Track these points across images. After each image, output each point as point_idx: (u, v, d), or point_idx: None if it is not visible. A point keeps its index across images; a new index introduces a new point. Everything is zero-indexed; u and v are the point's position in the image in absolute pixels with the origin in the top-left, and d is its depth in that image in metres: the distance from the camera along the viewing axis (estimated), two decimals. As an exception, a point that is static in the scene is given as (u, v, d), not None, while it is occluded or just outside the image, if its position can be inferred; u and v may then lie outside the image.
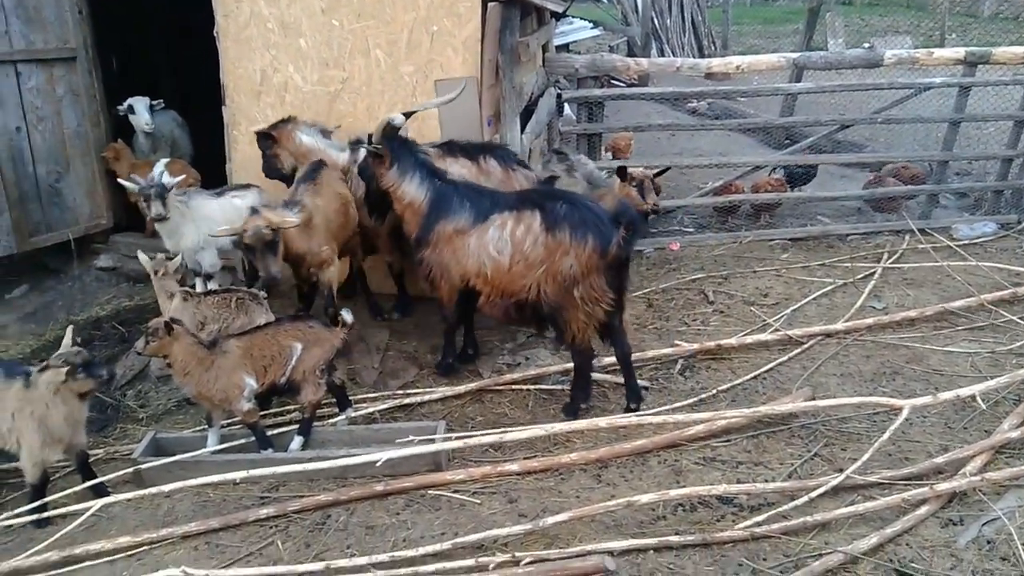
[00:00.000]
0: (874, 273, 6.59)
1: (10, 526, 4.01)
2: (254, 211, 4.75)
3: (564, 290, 4.48)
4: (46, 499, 4.08)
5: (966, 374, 5.02)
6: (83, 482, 4.18)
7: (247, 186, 5.77)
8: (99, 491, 4.15)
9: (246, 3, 5.81)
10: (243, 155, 6.12)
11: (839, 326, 5.64)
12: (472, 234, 4.66)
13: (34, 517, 3.99)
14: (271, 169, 5.69)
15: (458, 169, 5.32)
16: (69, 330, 4.15)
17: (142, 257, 5.06)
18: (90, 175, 6.99)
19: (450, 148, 5.49)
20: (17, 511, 4.03)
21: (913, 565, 3.42)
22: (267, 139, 5.58)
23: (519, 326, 5.52)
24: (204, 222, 5.41)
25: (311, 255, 5.06)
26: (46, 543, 3.76)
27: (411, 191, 4.81)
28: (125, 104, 6.87)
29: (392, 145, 4.84)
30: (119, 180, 5.79)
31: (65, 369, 3.84)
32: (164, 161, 6.57)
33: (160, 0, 9.08)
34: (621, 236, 4.39)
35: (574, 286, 4.45)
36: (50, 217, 6.77)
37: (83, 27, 6.72)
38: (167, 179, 5.23)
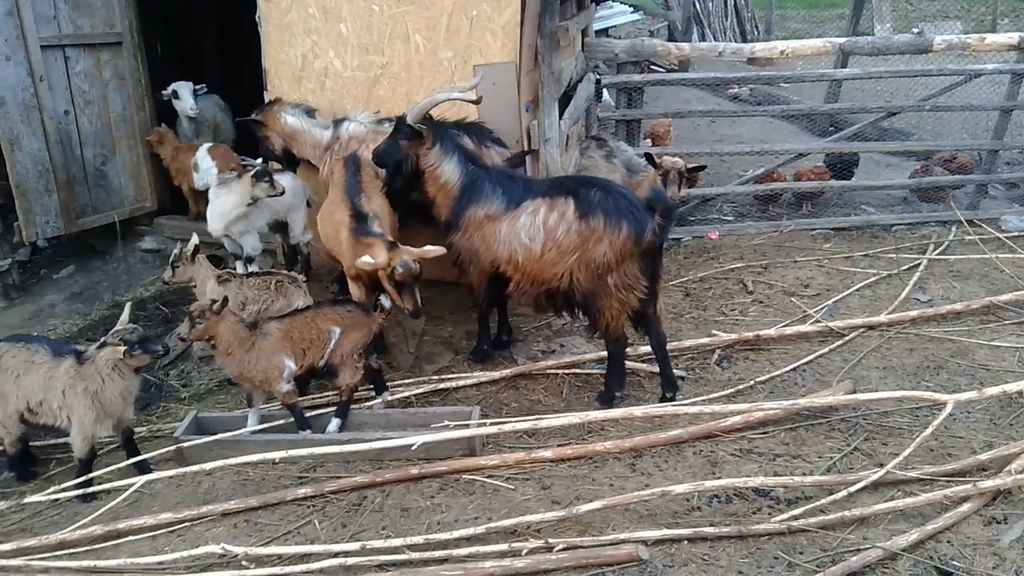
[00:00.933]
0: (919, 264, 6.45)
1: (57, 500, 4.14)
2: (393, 245, 4.51)
3: (597, 277, 4.45)
4: (92, 474, 4.19)
5: (1013, 369, 4.90)
6: (127, 459, 4.29)
7: (280, 170, 5.83)
8: (142, 468, 4.26)
9: (288, -12, 5.84)
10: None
11: (882, 318, 5.53)
12: (504, 220, 4.64)
13: (81, 491, 4.11)
14: (265, 151, 5.86)
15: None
16: (127, 307, 4.30)
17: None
18: (135, 158, 7.12)
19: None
20: (64, 485, 4.15)
21: (954, 563, 3.36)
22: (256, 124, 5.74)
23: (549, 314, 5.50)
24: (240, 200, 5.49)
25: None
26: (91, 517, 3.87)
27: (448, 171, 4.79)
28: (169, 89, 6.98)
29: (436, 127, 4.84)
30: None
31: (123, 348, 3.95)
32: (207, 146, 6.68)
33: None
34: (656, 223, 4.35)
35: (608, 273, 4.43)
36: (96, 199, 6.91)
37: (129, 12, 6.83)
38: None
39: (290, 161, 5.93)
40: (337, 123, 5.69)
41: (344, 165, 5.12)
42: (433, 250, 4.47)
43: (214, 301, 4.19)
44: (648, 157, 5.96)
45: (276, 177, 5.66)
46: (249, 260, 5.75)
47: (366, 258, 4.43)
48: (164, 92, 7.00)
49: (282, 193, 5.44)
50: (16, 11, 6.07)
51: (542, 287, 4.66)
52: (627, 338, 4.81)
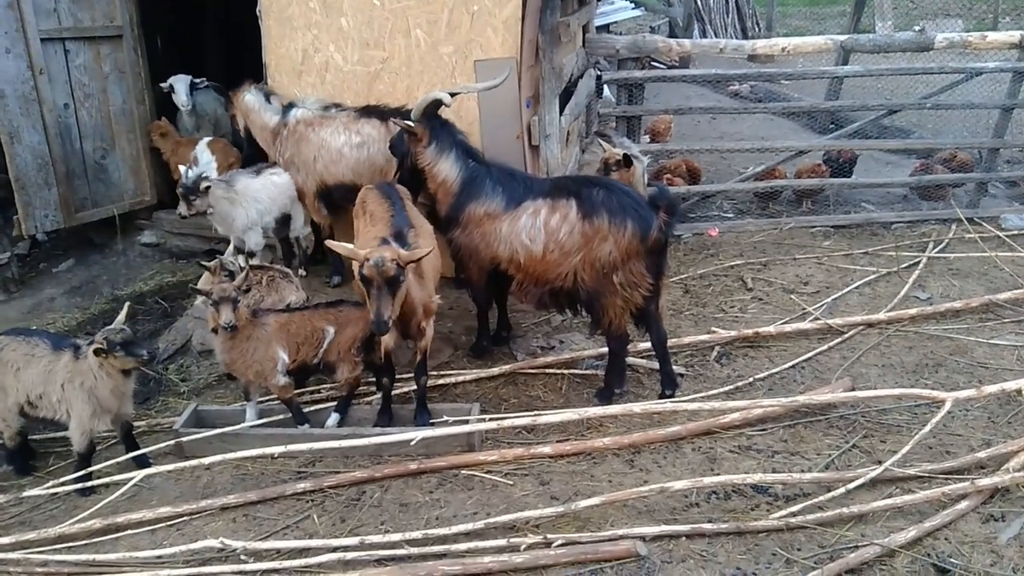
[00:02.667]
0: (919, 262, 6.45)
1: (56, 494, 4.14)
2: (384, 241, 4.06)
3: (602, 276, 4.45)
4: (91, 468, 4.19)
5: (1011, 367, 4.89)
6: (126, 453, 4.29)
7: (274, 164, 5.89)
8: (141, 462, 4.27)
9: (289, -18, 5.83)
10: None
11: (881, 316, 5.53)
12: (504, 219, 4.63)
13: (80, 485, 4.12)
14: (234, 130, 6.18)
15: (368, 130, 5.72)
16: (126, 307, 4.26)
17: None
18: (135, 152, 7.12)
19: (366, 111, 5.79)
20: (64, 479, 4.16)
21: (951, 560, 3.36)
22: (228, 100, 6.08)
23: (552, 312, 5.50)
24: (251, 203, 5.58)
25: (425, 305, 4.37)
26: (90, 511, 3.88)
27: (445, 169, 4.80)
28: (167, 82, 6.97)
29: (431, 123, 4.84)
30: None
31: (94, 348, 3.92)
32: (206, 140, 6.68)
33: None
34: (661, 220, 4.35)
35: (613, 272, 4.42)
36: (96, 193, 6.91)
37: (129, 5, 6.83)
38: (192, 175, 5.36)
39: (251, 142, 6.16)
40: (286, 108, 5.87)
41: (382, 196, 4.66)
42: (420, 252, 4.05)
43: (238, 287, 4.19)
44: (625, 158, 5.77)
45: (275, 171, 5.69)
46: (251, 255, 5.75)
47: (345, 245, 4.08)
48: (163, 84, 7.00)
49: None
50: (16, 4, 6.08)
51: (545, 287, 4.66)
52: (629, 336, 4.81)
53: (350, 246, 4.07)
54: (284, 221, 5.99)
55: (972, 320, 5.51)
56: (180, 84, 6.97)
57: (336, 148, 5.77)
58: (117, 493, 3.96)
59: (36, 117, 6.34)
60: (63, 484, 4.12)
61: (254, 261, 5.68)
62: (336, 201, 5.95)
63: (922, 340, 5.30)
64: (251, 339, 4.26)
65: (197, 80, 7.08)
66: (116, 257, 7.05)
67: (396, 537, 3.52)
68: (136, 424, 4.56)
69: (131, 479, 3.98)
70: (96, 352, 3.91)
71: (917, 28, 7.20)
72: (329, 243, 4.24)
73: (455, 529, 3.56)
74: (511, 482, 4.02)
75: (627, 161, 5.53)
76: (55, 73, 6.43)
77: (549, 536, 3.47)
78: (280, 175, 5.82)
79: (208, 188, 5.32)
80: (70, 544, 3.73)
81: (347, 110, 5.84)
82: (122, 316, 4.12)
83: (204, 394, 5.14)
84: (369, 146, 5.77)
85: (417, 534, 3.53)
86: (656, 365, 4.92)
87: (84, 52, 6.62)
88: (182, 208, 5.38)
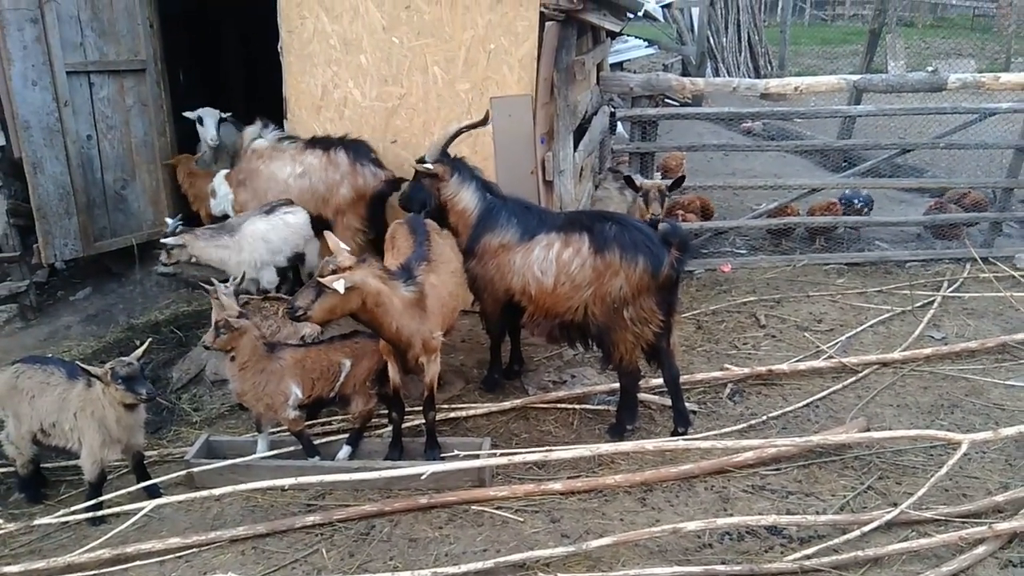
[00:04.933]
0: (933, 302, 6.42)
1: (67, 522, 4.13)
2: (364, 260, 4.02)
3: (613, 311, 4.46)
4: (102, 497, 4.19)
5: (1029, 410, 4.85)
6: (137, 482, 4.29)
7: (291, 200, 5.87)
8: (152, 492, 4.26)
9: (310, 20, 5.95)
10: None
11: (896, 355, 5.50)
12: (518, 251, 4.66)
13: (90, 515, 4.11)
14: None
15: (311, 159, 5.94)
16: (146, 343, 4.22)
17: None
18: (154, 183, 7.22)
19: (311, 142, 6.04)
20: (74, 508, 4.15)
21: (970, 607, 3.30)
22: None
23: (564, 346, 5.49)
24: (257, 243, 5.55)
25: (424, 341, 4.28)
26: (99, 541, 3.87)
27: (465, 199, 4.85)
28: (195, 113, 7.05)
29: (448, 160, 4.91)
30: None
31: (99, 374, 3.92)
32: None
33: (228, 16, 9.34)
34: (673, 256, 4.37)
35: (624, 307, 4.43)
36: (115, 223, 7.00)
37: (154, 40, 6.97)
38: (171, 225, 5.46)
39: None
40: (248, 137, 6.20)
41: (410, 231, 4.69)
42: (356, 276, 3.90)
43: (241, 314, 4.22)
44: (628, 180, 5.93)
45: (290, 210, 5.75)
46: (264, 293, 5.76)
47: (334, 239, 4.10)
48: (191, 113, 7.07)
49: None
50: (44, 37, 6.21)
51: (556, 319, 4.67)
52: (640, 371, 4.80)
53: (337, 241, 4.08)
54: (296, 259, 5.94)
55: (988, 360, 5.47)
56: (209, 119, 7.00)
57: (283, 177, 6.03)
58: (127, 523, 3.95)
59: (59, 148, 6.46)
60: (74, 513, 4.11)
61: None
62: None
63: (937, 380, 5.26)
64: (264, 372, 4.28)
65: (224, 115, 7.13)
66: (133, 286, 7.11)
67: (405, 575, 3.49)
68: (148, 454, 4.56)
69: (141, 509, 3.97)
70: (100, 379, 3.93)
71: (930, 69, 7.25)
72: (327, 234, 4.24)
73: (465, 568, 3.52)
74: (521, 519, 3.99)
75: (677, 183, 5.79)
76: (79, 105, 6.56)
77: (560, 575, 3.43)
78: (295, 214, 5.72)
79: (182, 246, 5.37)
80: (79, 574, 3.73)
81: (297, 143, 6.09)
82: (139, 351, 4.09)
83: (216, 424, 5.15)
84: (310, 175, 5.99)
85: (426, 572, 3.50)
86: (668, 402, 4.90)
87: (108, 85, 6.76)
88: (163, 257, 5.41)
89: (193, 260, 5.56)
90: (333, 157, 5.90)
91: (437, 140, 4.93)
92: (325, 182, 5.90)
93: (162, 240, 5.43)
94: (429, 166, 4.86)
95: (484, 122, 5.03)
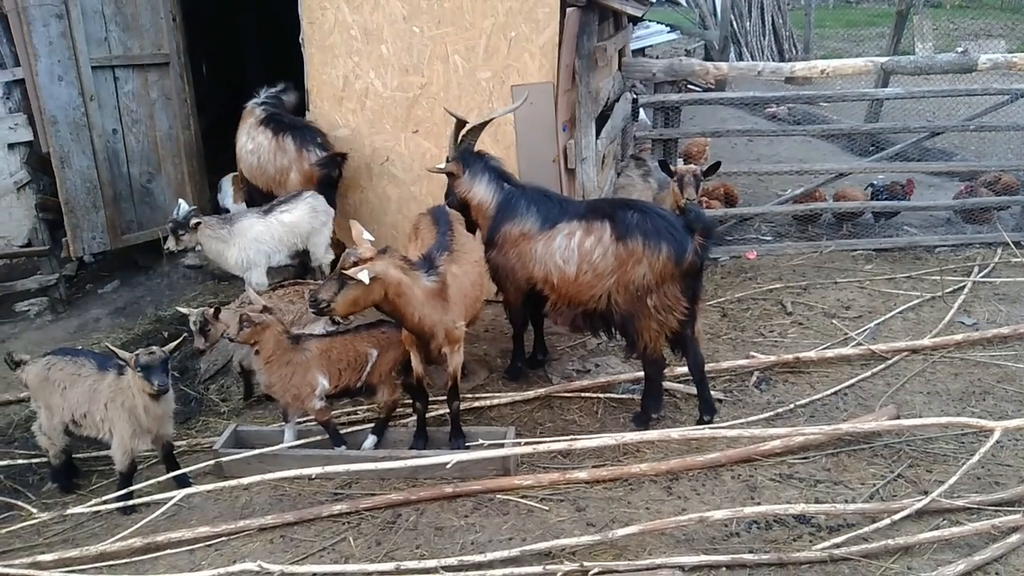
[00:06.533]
0: (964, 287, 6.31)
1: (98, 512, 4.21)
2: (385, 250, 3.95)
3: (637, 299, 4.43)
4: (133, 487, 4.25)
5: (1064, 396, 4.76)
6: (167, 472, 4.35)
7: (299, 194, 5.81)
8: (182, 481, 4.31)
9: (331, 11, 5.95)
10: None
11: (926, 342, 5.41)
12: (539, 240, 4.65)
13: (121, 504, 4.17)
14: None
15: (261, 139, 6.16)
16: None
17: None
18: (179, 176, 7.28)
19: (266, 119, 6.24)
20: (105, 498, 4.22)
21: (1004, 597, 3.25)
22: None
23: (587, 334, 5.48)
24: (250, 244, 5.53)
25: (447, 331, 4.26)
26: (131, 530, 3.92)
27: (480, 193, 4.86)
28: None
29: (462, 155, 4.93)
30: None
31: (126, 359, 3.97)
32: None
33: (250, 9, 9.37)
34: (697, 243, 4.33)
35: (647, 295, 4.40)
36: (141, 216, 7.08)
37: (176, 34, 7.02)
38: (182, 212, 5.42)
39: None
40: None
41: (433, 221, 4.66)
42: (379, 265, 3.87)
43: (265, 307, 4.25)
44: (663, 164, 5.90)
45: (288, 207, 5.72)
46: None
47: (359, 227, 4.05)
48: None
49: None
50: (70, 33, 6.29)
51: (579, 308, 4.65)
52: (665, 359, 4.77)
53: (360, 230, 4.02)
54: (299, 255, 5.92)
55: (1020, 347, 5.36)
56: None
57: (240, 145, 6.32)
58: (157, 512, 4.01)
59: (86, 142, 6.53)
60: (105, 502, 4.18)
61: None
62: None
63: (968, 367, 5.17)
64: (290, 364, 4.30)
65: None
66: (160, 279, 7.19)
67: (432, 563, 3.50)
68: (177, 444, 4.62)
69: (171, 498, 4.03)
70: (126, 363, 3.97)
71: (960, 49, 7.11)
72: (352, 222, 4.16)
73: (491, 556, 3.53)
74: (547, 507, 3.99)
75: (712, 169, 5.75)
76: (104, 99, 6.63)
77: (586, 564, 3.43)
78: (291, 213, 5.65)
79: (198, 224, 5.36)
80: (111, 563, 3.79)
81: (258, 113, 6.29)
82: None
83: (244, 414, 5.19)
84: (259, 154, 6.16)
85: (453, 560, 3.51)
86: (693, 390, 4.86)
87: (133, 79, 6.82)
88: (170, 243, 5.42)
89: (198, 248, 5.60)
90: (282, 142, 6.07)
91: (449, 140, 5.00)
92: (274, 165, 6.11)
93: (181, 219, 5.41)
94: (441, 166, 4.93)
95: (485, 123, 5.08)
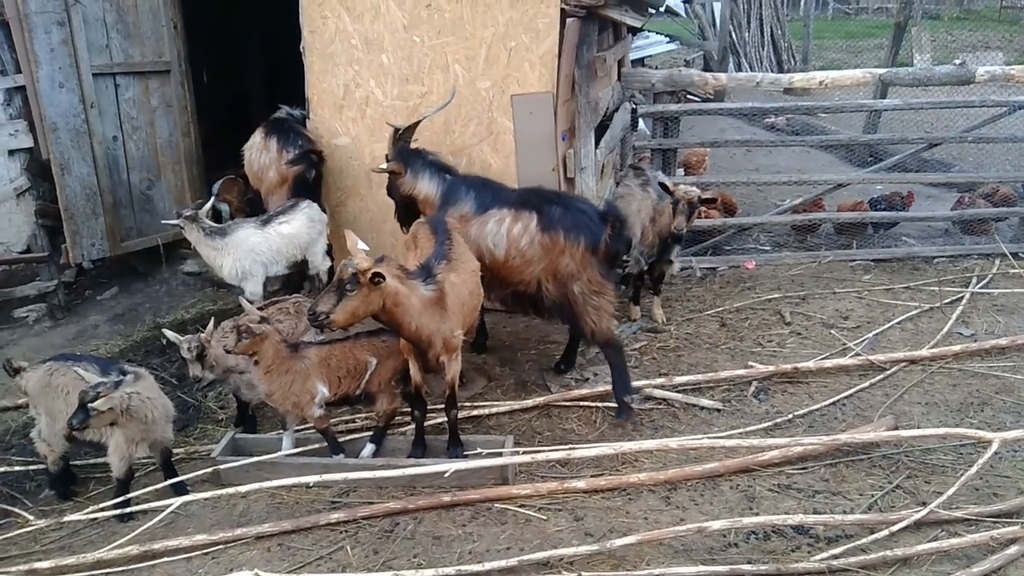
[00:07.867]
0: (962, 298, 6.32)
1: (95, 519, 4.19)
2: (381, 261, 3.95)
3: (563, 285, 4.84)
4: (130, 494, 4.24)
5: (1062, 408, 4.76)
6: (165, 479, 4.34)
7: (297, 202, 5.82)
8: (179, 489, 4.30)
9: (332, 20, 5.97)
10: (325, 167, 6.27)
11: (924, 352, 5.42)
12: (473, 223, 5.00)
13: (119, 511, 4.16)
14: None
15: (257, 138, 6.32)
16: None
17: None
18: (180, 183, 7.29)
19: (266, 123, 6.40)
20: (103, 505, 4.21)
21: (1002, 608, 3.25)
22: None
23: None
24: (246, 255, 5.50)
25: (445, 340, 4.26)
26: (128, 537, 3.90)
27: (424, 187, 5.22)
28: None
29: (402, 155, 5.28)
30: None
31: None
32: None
33: (251, 17, 9.40)
34: (607, 234, 4.73)
35: (572, 281, 4.81)
36: (141, 223, 7.08)
37: (178, 41, 7.03)
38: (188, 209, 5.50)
39: None
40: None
41: (431, 231, 4.65)
42: (383, 270, 3.88)
43: (262, 318, 4.25)
44: (663, 186, 5.89)
45: (286, 218, 5.72)
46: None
47: (354, 237, 4.08)
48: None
49: None
50: (71, 40, 6.30)
51: (508, 288, 5.05)
52: (619, 340, 5.04)
53: (355, 241, 4.06)
54: (296, 265, 5.88)
55: (1018, 358, 5.37)
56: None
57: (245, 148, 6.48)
58: (155, 520, 3.99)
59: (86, 149, 6.54)
60: (103, 509, 4.17)
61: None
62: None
63: (967, 378, 5.17)
64: (289, 372, 4.30)
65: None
66: (159, 285, 7.18)
67: (429, 572, 3.50)
68: (175, 451, 4.61)
69: (169, 506, 4.01)
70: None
71: (958, 61, 7.13)
72: (347, 232, 4.17)
73: (488, 565, 3.52)
74: (545, 517, 3.98)
75: (710, 200, 5.90)
76: (105, 106, 6.64)
77: (584, 574, 3.43)
78: (290, 224, 5.65)
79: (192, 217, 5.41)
80: (108, 570, 3.76)
81: (268, 118, 6.50)
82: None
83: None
84: (251, 151, 6.34)
85: (450, 570, 3.50)
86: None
87: (133, 86, 6.83)
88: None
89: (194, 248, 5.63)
90: (267, 142, 6.21)
91: (389, 141, 5.36)
92: (259, 163, 6.26)
93: (176, 211, 5.57)
94: (383, 167, 5.28)
95: (417, 123, 5.50)
